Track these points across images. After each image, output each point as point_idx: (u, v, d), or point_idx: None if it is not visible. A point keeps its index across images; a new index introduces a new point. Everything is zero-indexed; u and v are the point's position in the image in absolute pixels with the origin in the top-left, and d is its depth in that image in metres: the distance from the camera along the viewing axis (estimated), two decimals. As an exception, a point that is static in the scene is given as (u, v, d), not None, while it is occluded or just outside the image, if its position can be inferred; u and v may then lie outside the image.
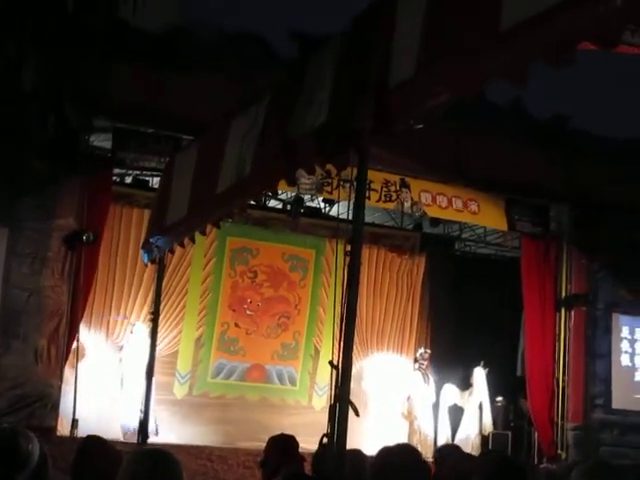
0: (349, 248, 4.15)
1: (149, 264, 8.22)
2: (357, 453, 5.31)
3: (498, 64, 3.36)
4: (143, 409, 7.50)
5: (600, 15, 2.81)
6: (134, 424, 8.39)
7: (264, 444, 6.01)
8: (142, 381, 8.08)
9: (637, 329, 15.88)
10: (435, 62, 3.70)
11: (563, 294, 15.52)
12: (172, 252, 7.40)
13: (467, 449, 13.33)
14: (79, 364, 12.83)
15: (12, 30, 9.93)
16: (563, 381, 15.29)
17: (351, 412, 4.04)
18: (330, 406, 4.08)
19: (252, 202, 6.51)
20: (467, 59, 3.52)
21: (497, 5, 3.21)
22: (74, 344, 12.66)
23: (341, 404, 3.99)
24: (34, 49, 10.29)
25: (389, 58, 3.97)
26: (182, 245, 6.84)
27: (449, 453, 6.21)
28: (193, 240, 6.63)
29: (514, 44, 3.21)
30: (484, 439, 14.94)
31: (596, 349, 15.40)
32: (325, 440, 4.14)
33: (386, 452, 4.53)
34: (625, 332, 15.78)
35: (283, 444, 5.72)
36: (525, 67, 3.17)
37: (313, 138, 4.53)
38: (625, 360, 15.72)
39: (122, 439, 11.99)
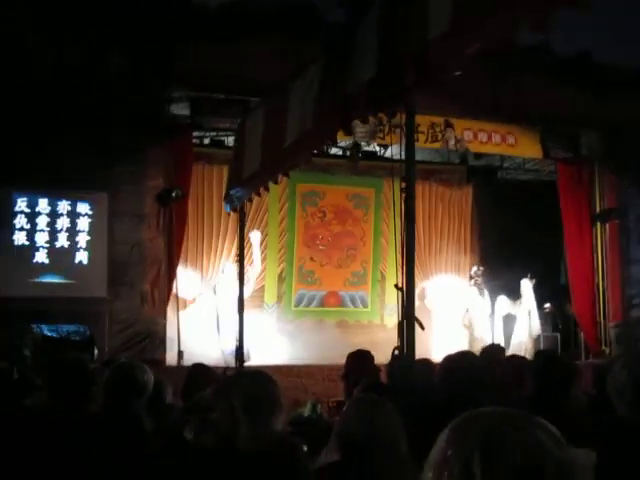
0: (404, 185, 4.17)
1: (231, 213, 8.32)
2: (426, 361, 5.37)
3: (522, 13, 3.33)
4: (238, 338, 7.64)
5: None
6: (231, 347, 8.55)
7: (344, 360, 6.09)
8: (235, 314, 8.22)
9: (666, 235, 15.69)
10: (467, 14, 3.67)
11: (598, 210, 15.37)
12: (250, 201, 7.50)
13: (521, 351, 13.40)
14: (179, 303, 13.11)
15: (95, 21, 10.01)
16: (603, 285, 15.20)
17: (417, 326, 4.09)
18: (398, 323, 4.13)
19: (315, 152, 6.50)
20: (496, 10, 3.49)
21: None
22: (174, 286, 12.90)
23: (408, 320, 4.04)
24: (115, 36, 10.36)
25: (427, 15, 3.94)
26: (258, 194, 6.92)
27: (496, 352, 6.24)
28: (267, 189, 6.69)
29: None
30: (535, 341, 14.93)
31: (630, 256, 15.24)
32: (396, 352, 4.19)
33: (449, 359, 4.59)
34: (655, 239, 15.59)
35: (360, 359, 5.80)
36: (546, 15, 3.14)
37: (365, 93, 4.53)
38: (657, 264, 15.55)
39: (223, 363, 12.21)
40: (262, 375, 3.70)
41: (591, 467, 1.28)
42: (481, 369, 4.39)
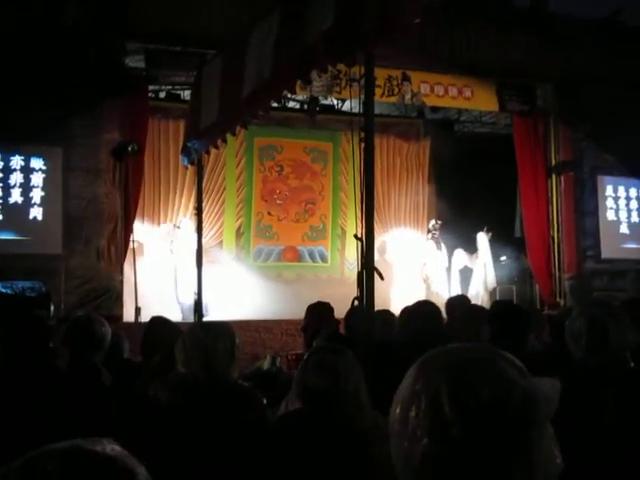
0: (363, 135, 4.15)
1: (189, 166, 8.25)
2: (386, 312, 5.40)
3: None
4: (197, 292, 7.62)
5: None
6: (189, 302, 8.46)
7: (302, 315, 6.10)
8: (193, 269, 8.19)
9: (619, 187, 15.88)
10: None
11: (553, 162, 15.48)
12: (208, 153, 7.42)
13: (478, 302, 13.54)
14: (136, 259, 13.01)
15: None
16: (557, 238, 15.34)
17: (377, 277, 4.10)
18: (358, 273, 4.13)
19: (274, 104, 6.43)
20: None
21: None
22: (130, 241, 12.79)
23: (367, 270, 4.05)
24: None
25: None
26: (216, 146, 6.85)
27: (458, 302, 6.29)
28: (225, 141, 6.63)
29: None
30: (492, 294, 15.10)
31: (585, 208, 15.42)
32: (356, 302, 4.20)
33: (408, 308, 4.62)
34: (609, 191, 15.76)
35: (320, 310, 5.82)
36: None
37: (323, 41, 4.49)
38: (611, 215, 15.74)
39: (181, 318, 12.19)
40: (216, 325, 3.71)
41: (556, 396, 1.30)
42: (440, 317, 4.43)
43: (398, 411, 1.33)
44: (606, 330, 3.53)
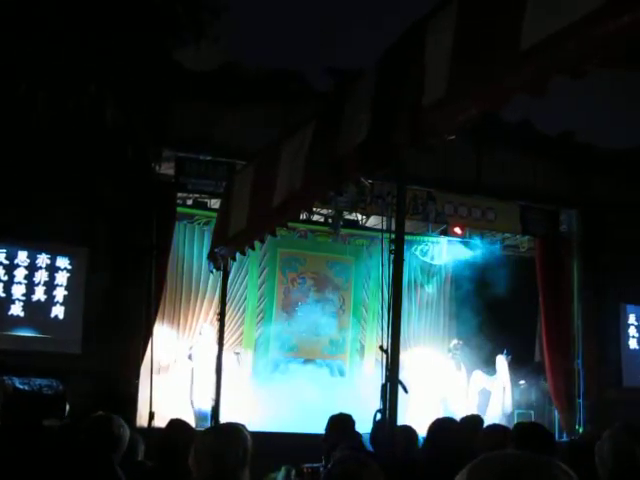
0: (393, 247, 4.17)
1: (213, 272, 8.30)
2: (408, 428, 5.33)
3: (519, 80, 3.38)
4: (214, 398, 7.55)
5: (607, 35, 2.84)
6: (205, 408, 8.33)
7: (319, 428, 6.01)
8: (211, 375, 8.13)
9: (643, 316, 15.82)
10: (463, 82, 3.73)
11: (575, 287, 15.43)
12: (234, 259, 7.47)
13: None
14: (153, 363, 12.92)
15: (94, 75, 10.08)
16: (578, 364, 15.18)
17: (400, 391, 4.06)
18: (382, 385, 4.10)
19: (299, 217, 6.48)
20: (492, 77, 3.55)
21: (517, 28, 3.25)
22: (149, 346, 12.74)
23: (391, 383, 4.02)
24: (112, 91, 10.41)
25: (422, 81, 4.00)
26: (243, 252, 6.91)
27: (475, 422, 6.18)
28: (253, 247, 6.69)
29: (533, 62, 3.24)
30: (509, 418, 14.85)
31: (607, 335, 15.30)
32: (378, 416, 4.15)
33: (434, 425, 4.56)
34: (632, 319, 15.69)
35: (341, 422, 5.74)
36: (544, 81, 3.19)
37: (356, 154, 4.57)
38: (633, 344, 15.64)
39: (194, 425, 12.02)
40: (229, 429, 3.65)
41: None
42: (465, 435, 4.36)
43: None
44: (632, 456, 3.48)
